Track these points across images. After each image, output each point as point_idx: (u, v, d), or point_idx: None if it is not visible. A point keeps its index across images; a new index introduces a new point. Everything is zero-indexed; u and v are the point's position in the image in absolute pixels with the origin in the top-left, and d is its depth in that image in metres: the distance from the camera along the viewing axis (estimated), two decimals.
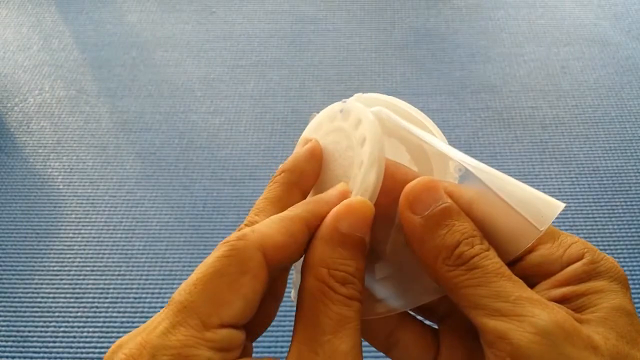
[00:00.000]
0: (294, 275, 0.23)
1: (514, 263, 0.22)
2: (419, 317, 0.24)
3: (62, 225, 0.93)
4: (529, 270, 0.22)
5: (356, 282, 0.19)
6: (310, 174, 0.23)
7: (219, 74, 1.18)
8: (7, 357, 0.78)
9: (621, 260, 0.85)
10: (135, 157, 1.03)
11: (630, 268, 0.84)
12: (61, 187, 0.99)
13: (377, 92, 0.25)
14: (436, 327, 0.24)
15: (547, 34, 1.24)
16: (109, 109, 1.12)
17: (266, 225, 0.19)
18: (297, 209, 0.20)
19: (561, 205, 0.20)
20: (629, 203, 0.92)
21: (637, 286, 0.82)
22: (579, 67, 1.16)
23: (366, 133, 0.21)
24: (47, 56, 1.24)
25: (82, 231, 0.92)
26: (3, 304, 0.83)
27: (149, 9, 1.36)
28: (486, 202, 0.20)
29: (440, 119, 1.06)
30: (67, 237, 0.91)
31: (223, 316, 0.17)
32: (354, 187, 0.21)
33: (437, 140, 0.22)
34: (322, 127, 0.23)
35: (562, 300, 0.20)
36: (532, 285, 0.21)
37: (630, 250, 0.86)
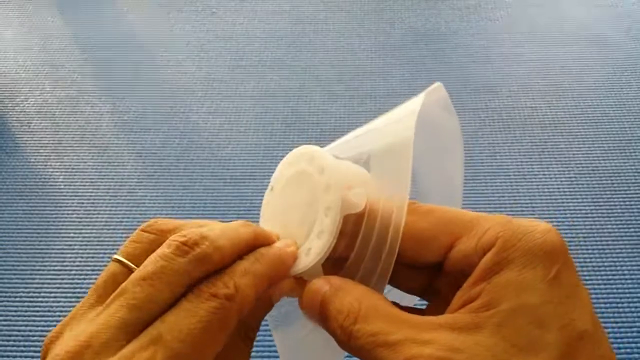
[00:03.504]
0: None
1: (441, 264, 0.22)
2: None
3: (63, 225, 0.93)
4: (453, 267, 0.21)
5: None
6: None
7: (219, 74, 1.19)
8: (7, 357, 0.78)
9: (620, 260, 0.85)
10: (135, 157, 1.03)
11: (630, 268, 0.84)
12: (62, 186, 0.99)
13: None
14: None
15: (547, 34, 1.24)
16: (110, 109, 1.12)
17: (247, 286, 0.21)
18: (264, 268, 0.22)
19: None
20: (627, 203, 0.93)
21: (637, 286, 0.83)
22: (578, 67, 1.16)
23: (330, 182, 0.23)
24: (48, 56, 1.24)
25: (83, 231, 0.92)
26: (4, 303, 0.83)
27: (149, 9, 1.36)
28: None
29: None
30: (68, 237, 0.92)
31: None
32: (316, 227, 0.24)
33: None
34: (293, 165, 0.26)
35: (475, 299, 0.19)
36: (463, 282, 0.20)
37: (630, 250, 0.86)
